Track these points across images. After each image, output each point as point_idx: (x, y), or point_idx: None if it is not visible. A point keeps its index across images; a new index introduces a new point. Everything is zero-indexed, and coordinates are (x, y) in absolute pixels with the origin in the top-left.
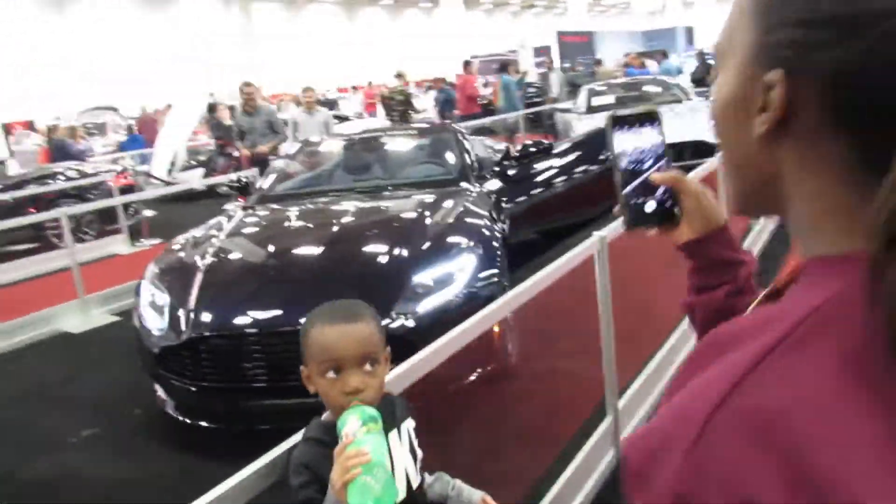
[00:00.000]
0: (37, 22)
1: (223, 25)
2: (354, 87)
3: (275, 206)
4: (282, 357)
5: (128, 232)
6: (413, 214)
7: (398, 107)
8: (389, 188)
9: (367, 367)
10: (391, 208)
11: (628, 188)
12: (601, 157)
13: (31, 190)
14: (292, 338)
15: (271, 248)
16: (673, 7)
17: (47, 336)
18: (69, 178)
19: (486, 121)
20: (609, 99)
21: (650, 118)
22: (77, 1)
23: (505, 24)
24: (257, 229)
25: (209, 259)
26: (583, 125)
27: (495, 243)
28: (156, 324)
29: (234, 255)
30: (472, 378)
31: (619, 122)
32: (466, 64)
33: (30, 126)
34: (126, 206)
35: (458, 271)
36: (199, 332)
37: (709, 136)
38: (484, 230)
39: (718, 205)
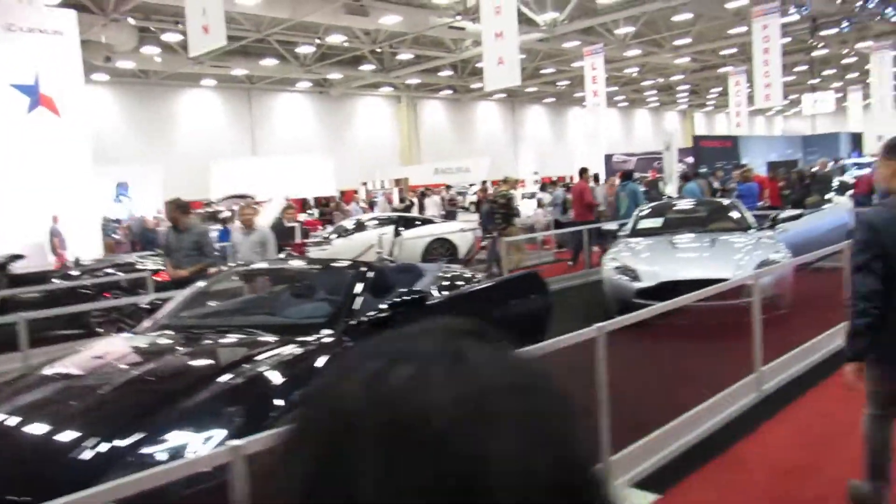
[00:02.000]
0: None
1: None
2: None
3: (117, 341)
4: None
5: None
6: (209, 368)
7: (500, 210)
8: (248, 330)
9: None
10: (200, 358)
11: None
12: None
13: (72, 282)
14: None
15: (32, 395)
16: (854, 112)
17: None
18: (118, 271)
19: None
20: (657, 222)
21: None
22: None
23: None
24: (61, 370)
25: None
26: (617, 251)
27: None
28: None
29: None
30: None
31: None
32: (583, 171)
33: None
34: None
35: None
36: None
37: (727, 274)
38: (268, 391)
39: None
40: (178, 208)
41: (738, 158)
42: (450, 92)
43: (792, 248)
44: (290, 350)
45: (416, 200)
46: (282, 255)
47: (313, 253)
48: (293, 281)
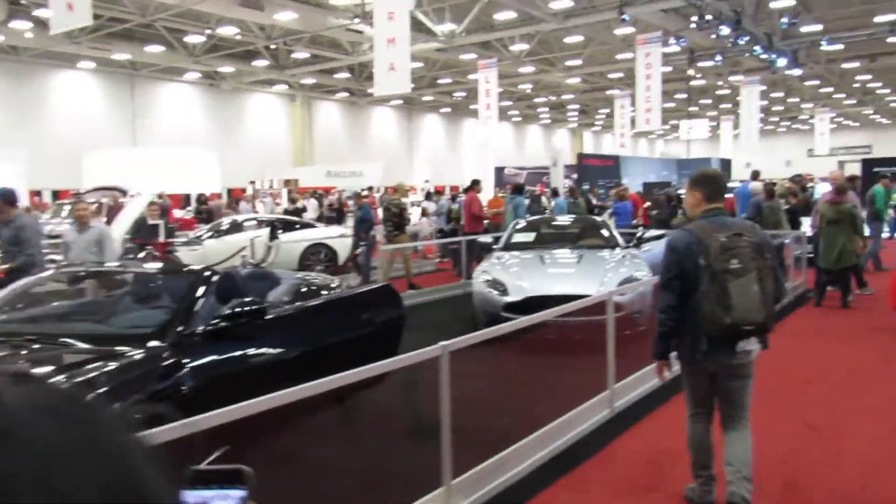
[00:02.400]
0: None
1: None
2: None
3: None
4: None
5: None
6: None
7: (393, 218)
8: (62, 340)
9: None
10: None
11: None
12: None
13: None
14: None
15: None
16: (725, 140)
17: None
18: None
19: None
20: (530, 236)
21: (236, 480)
22: None
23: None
24: None
25: None
26: (489, 264)
27: None
28: None
29: None
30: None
31: (199, 480)
32: (475, 183)
33: None
34: None
35: None
36: None
37: (591, 290)
38: None
39: None
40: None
41: (619, 177)
42: (346, 95)
43: (654, 266)
44: (99, 365)
45: (307, 203)
46: (141, 255)
47: (182, 254)
48: (126, 286)
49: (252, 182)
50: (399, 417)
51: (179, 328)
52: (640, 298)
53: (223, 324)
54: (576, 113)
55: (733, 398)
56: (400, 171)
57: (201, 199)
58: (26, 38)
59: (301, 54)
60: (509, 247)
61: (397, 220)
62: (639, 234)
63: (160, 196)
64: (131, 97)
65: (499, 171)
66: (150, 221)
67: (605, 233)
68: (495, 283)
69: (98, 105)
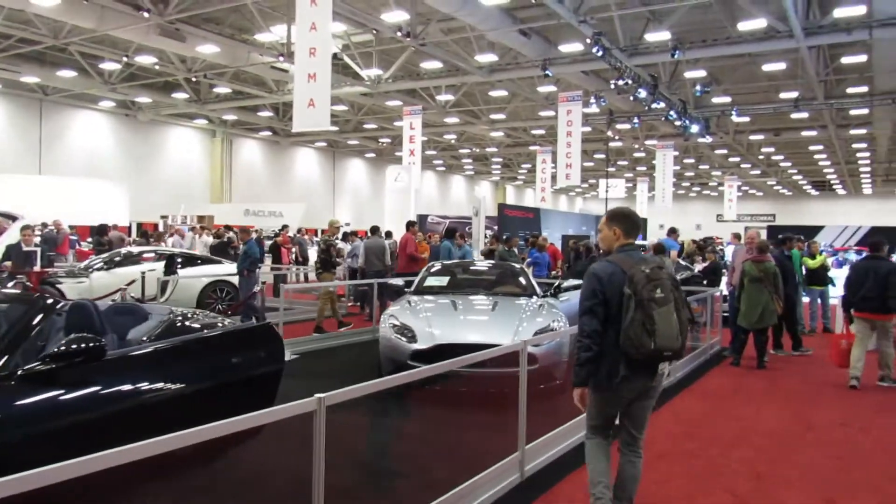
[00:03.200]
0: None
1: None
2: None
3: None
4: None
5: None
6: None
7: (322, 254)
8: None
9: None
10: None
11: None
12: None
13: None
14: None
15: None
16: (641, 199)
17: None
18: None
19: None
20: (443, 281)
21: None
22: None
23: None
24: None
25: None
26: (398, 309)
27: None
28: None
29: None
30: None
31: None
32: (411, 224)
33: None
34: None
35: None
36: None
37: (505, 340)
38: None
39: None
40: None
41: (539, 229)
42: (269, 133)
43: (572, 317)
44: None
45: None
46: (10, 284)
47: (66, 287)
48: None
49: (164, 217)
50: (268, 480)
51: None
52: (556, 350)
53: (43, 366)
54: (499, 166)
55: (640, 418)
56: (322, 212)
57: (102, 230)
58: None
59: (223, 89)
60: (421, 291)
61: (324, 258)
62: (556, 283)
63: (49, 225)
64: (39, 122)
65: (422, 218)
66: (25, 248)
67: (522, 280)
68: (403, 329)
69: (1, 128)
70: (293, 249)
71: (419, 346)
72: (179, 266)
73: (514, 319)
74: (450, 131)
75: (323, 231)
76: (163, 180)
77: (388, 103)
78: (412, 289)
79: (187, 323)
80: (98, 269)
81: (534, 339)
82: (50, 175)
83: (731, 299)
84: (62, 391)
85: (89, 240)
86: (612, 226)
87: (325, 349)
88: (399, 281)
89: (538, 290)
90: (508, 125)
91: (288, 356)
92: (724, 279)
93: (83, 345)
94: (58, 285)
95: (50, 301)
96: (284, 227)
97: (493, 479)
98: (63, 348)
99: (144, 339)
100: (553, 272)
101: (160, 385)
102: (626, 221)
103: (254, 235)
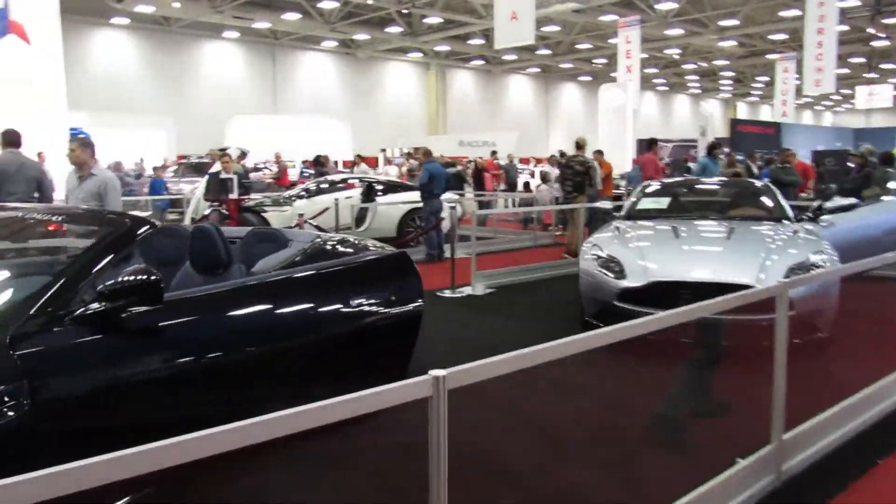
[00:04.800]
0: None
1: None
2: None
3: None
4: None
5: None
6: None
7: (574, 177)
8: None
9: None
10: None
11: None
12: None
13: None
14: None
15: None
16: None
17: None
18: None
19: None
20: (662, 202)
21: None
22: None
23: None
24: None
25: None
26: (604, 237)
27: None
28: None
29: None
30: None
31: None
32: (653, 143)
33: None
34: None
35: None
36: None
37: (746, 278)
38: None
39: None
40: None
41: (779, 147)
42: (481, 63)
43: (839, 248)
44: None
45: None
46: (206, 212)
47: (270, 215)
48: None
49: (383, 150)
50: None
51: (49, 308)
52: (821, 291)
53: (100, 306)
54: (729, 81)
55: None
56: (536, 141)
57: (320, 161)
58: (174, 7)
59: (434, 19)
60: (634, 215)
61: (579, 180)
62: (817, 204)
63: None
64: (272, 66)
65: (640, 142)
66: (224, 175)
67: (767, 201)
68: (609, 262)
69: (241, 73)
70: (500, 175)
71: (629, 282)
72: (381, 193)
73: (757, 251)
74: (672, 45)
75: (561, 153)
76: (382, 115)
77: (601, 18)
78: (622, 212)
79: (330, 251)
80: (300, 198)
81: (795, 280)
82: (283, 114)
83: None
84: (116, 341)
85: (311, 171)
86: None
87: (525, 283)
88: (607, 203)
89: (790, 212)
90: (742, 31)
91: (482, 290)
92: None
93: (133, 280)
94: (263, 213)
95: (134, 223)
96: (493, 152)
97: (735, 484)
98: (116, 285)
99: (271, 271)
100: (802, 194)
101: (250, 338)
102: None
103: (442, 159)
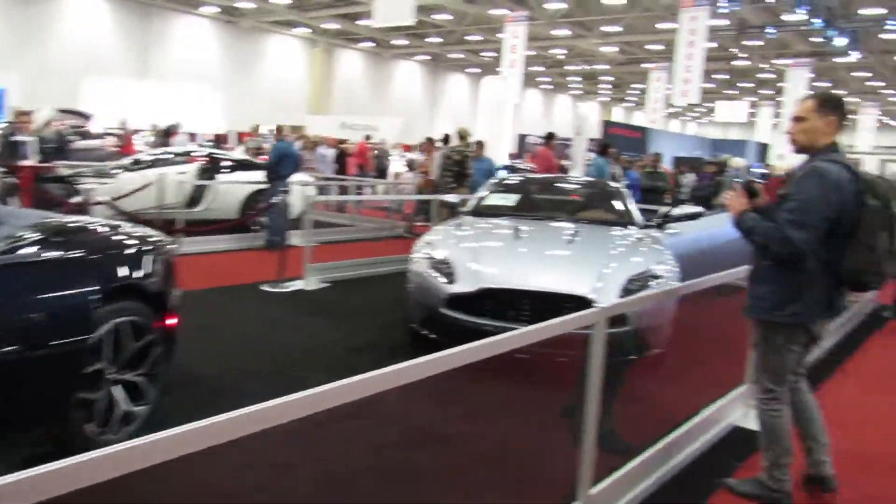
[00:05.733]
0: None
1: None
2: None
3: None
4: None
5: None
6: None
7: (453, 167)
8: None
9: None
10: None
11: None
12: None
13: None
14: None
15: None
16: (763, 124)
17: None
18: None
19: None
20: (509, 200)
21: None
22: None
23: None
24: None
25: None
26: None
27: None
28: None
29: None
30: None
31: None
32: (551, 137)
33: None
34: None
35: None
36: None
37: (583, 289)
38: None
39: None
40: None
41: (645, 151)
42: (371, 45)
43: (682, 257)
44: None
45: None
46: None
47: (89, 186)
48: None
49: (256, 126)
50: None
51: None
52: (656, 311)
53: None
54: (609, 86)
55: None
56: (420, 128)
57: (167, 132)
58: None
59: None
60: (481, 211)
61: (458, 171)
62: (663, 211)
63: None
64: (147, 28)
65: (522, 138)
66: (16, 138)
67: (617, 204)
68: (440, 264)
69: (109, 33)
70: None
71: (458, 288)
72: (228, 171)
73: (599, 258)
74: (558, 45)
75: (444, 141)
76: (262, 89)
77: (491, 12)
78: (469, 208)
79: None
80: (129, 171)
81: (619, 305)
82: (152, 79)
83: None
84: None
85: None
86: (827, 114)
87: (368, 277)
88: (453, 197)
89: (639, 217)
90: (623, 39)
91: (315, 284)
92: None
93: None
94: (77, 185)
95: None
96: (367, 136)
97: None
98: None
99: None
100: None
101: None
102: (842, 110)
103: (290, 138)
